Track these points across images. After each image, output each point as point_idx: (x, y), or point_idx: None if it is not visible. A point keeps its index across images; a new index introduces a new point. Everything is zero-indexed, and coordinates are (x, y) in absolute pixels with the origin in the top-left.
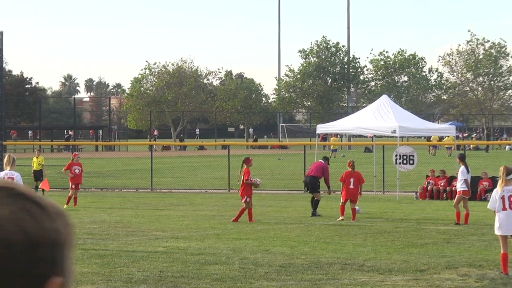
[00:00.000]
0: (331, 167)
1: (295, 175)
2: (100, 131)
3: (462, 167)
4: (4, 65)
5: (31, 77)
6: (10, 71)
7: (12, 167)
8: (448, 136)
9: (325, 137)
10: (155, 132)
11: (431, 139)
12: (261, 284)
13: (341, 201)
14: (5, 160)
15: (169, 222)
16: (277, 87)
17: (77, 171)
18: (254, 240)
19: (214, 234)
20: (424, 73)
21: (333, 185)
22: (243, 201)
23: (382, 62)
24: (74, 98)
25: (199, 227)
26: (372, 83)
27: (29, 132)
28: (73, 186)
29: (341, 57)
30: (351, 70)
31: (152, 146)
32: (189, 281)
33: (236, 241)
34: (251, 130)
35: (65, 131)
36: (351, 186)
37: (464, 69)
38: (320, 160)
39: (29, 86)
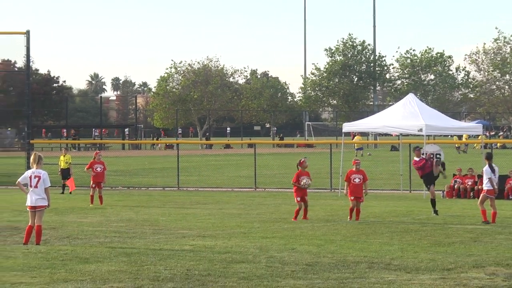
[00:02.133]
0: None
1: (321, 174)
2: (127, 130)
3: (486, 166)
4: (30, 64)
5: (58, 76)
6: (37, 70)
7: (38, 166)
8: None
9: (355, 135)
10: (179, 131)
11: (463, 137)
12: (287, 283)
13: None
14: (31, 158)
15: (196, 220)
16: (303, 85)
17: (99, 169)
18: (280, 239)
19: (240, 233)
20: (451, 72)
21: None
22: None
23: (408, 60)
24: (101, 96)
25: (225, 225)
26: (399, 82)
27: (64, 130)
28: (94, 185)
29: (367, 56)
30: (377, 69)
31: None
32: (216, 280)
33: (262, 239)
34: (274, 128)
35: (72, 130)
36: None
37: (491, 67)
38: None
39: (56, 85)
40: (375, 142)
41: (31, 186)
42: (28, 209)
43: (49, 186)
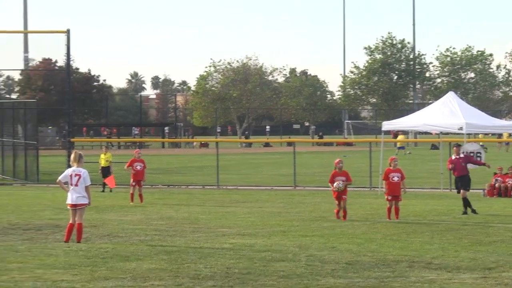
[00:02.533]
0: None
1: (360, 172)
2: (167, 128)
3: None
4: (71, 62)
5: (99, 75)
6: (77, 68)
7: (79, 164)
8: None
9: (397, 133)
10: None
11: (503, 136)
12: (327, 281)
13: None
14: (71, 157)
15: (235, 219)
16: (342, 84)
17: (138, 167)
18: (320, 237)
19: (280, 231)
20: (491, 70)
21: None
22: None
23: (448, 59)
24: (141, 95)
25: (265, 224)
26: (438, 80)
27: (104, 129)
28: (134, 183)
29: (406, 54)
30: (416, 67)
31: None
32: (256, 278)
33: (302, 238)
34: (313, 127)
35: (105, 128)
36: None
37: None
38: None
39: (97, 83)
40: (415, 140)
41: (71, 185)
42: (68, 207)
43: (90, 185)
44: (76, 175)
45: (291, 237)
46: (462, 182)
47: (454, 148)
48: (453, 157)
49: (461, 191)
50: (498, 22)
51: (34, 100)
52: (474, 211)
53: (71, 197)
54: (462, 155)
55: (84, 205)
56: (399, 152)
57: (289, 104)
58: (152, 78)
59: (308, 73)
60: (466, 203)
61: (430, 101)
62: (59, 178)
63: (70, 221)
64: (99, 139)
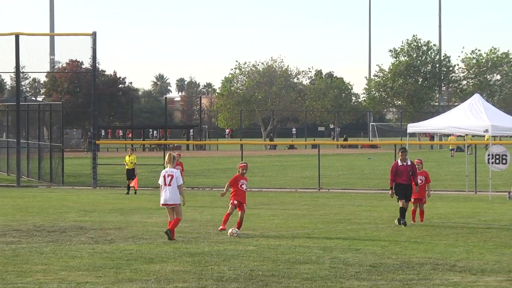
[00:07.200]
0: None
1: (385, 175)
2: (191, 130)
3: None
4: (97, 65)
5: (125, 77)
6: (103, 71)
7: (173, 165)
8: None
9: (432, 135)
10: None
11: None
12: (351, 284)
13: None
14: (166, 158)
15: (260, 221)
16: (367, 86)
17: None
18: (344, 240)
19: (304, 233)
20: None
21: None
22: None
23: (474, 61)
24: (166, 97)
25: (289, 226)
26: (464, 82)
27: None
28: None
29: (432, 56)
30: (442, 69)
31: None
32: (280, 280)
33: (326, 240)
34: (338, 129)
35: (126, 131)
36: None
37: None
38: None
39: (122, 86)
40: (440, 142)
41: (165, 185)
42: (162, 206)
43: (182, 184)
44: (169, 175)
45: (315, 239)
46: (407, 191)
47: (400, 153)
48: (400, 163)
49: (404, 201)
50: None
51: (60, 102)
52: (403, 223)
53: (164, 197)
54: (409, 163)
55: (177, 204)
56: (451, 153)
57: (314, 106)
58: (177, 80)
59: (334, 75)
60: (404, 212)
61: (456, 104)
62: (159, 181)
63: (169, 220)
64: (124, 141)
